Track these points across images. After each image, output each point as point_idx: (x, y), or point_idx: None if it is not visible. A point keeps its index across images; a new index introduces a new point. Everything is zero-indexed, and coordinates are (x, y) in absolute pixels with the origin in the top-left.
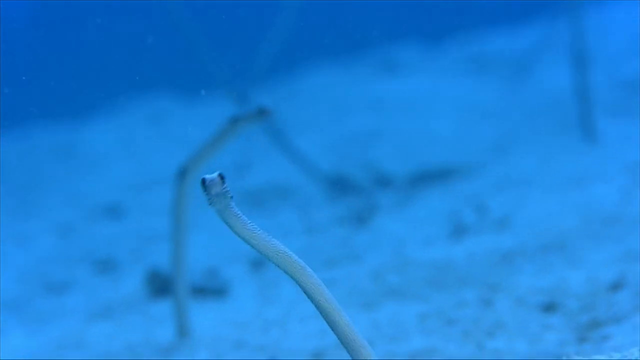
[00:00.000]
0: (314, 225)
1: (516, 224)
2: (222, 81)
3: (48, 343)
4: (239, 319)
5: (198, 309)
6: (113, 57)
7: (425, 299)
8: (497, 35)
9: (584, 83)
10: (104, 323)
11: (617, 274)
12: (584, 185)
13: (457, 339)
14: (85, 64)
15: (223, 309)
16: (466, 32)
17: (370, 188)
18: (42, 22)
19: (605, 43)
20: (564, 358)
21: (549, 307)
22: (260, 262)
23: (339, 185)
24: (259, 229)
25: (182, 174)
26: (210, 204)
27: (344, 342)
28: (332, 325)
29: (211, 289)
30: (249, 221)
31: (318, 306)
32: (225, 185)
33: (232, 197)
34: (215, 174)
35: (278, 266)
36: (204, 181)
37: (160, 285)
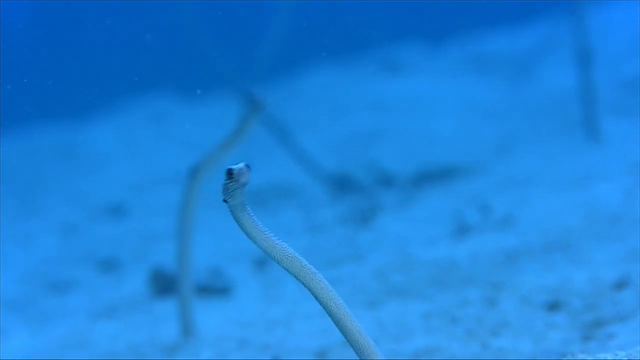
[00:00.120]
0: (317, 225)
1: (520, 223)
2: (230, 81)
3: (51, 343)
4: (243, 318)
5: (202, 308)
6: (114, 57)
7: (429, 298)
8: (498, 35)
9: (588, 82)
10: (108, 322)
11: (621, 272)
12: (587, 185)
13: (461, 337)
14: (86, 63)
15: (227, 308)
16: (467, 31)
17: (372, 188)
18: (42, 22)
19: (606, 43)
20: (568, 357)
21: (553, 306)
22: (264, 261)
23: (341, 185)
24: (269, 231)
25: (193, 173)
26: (227, 199)
27: (356, 348)
28: (344, 331)
29: (215, 288)
30: (260, 222)
31: (329, 312)
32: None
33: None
34: (242, 164)
35: (297, 279)
36: (230, 171)
37: (163, 284)
